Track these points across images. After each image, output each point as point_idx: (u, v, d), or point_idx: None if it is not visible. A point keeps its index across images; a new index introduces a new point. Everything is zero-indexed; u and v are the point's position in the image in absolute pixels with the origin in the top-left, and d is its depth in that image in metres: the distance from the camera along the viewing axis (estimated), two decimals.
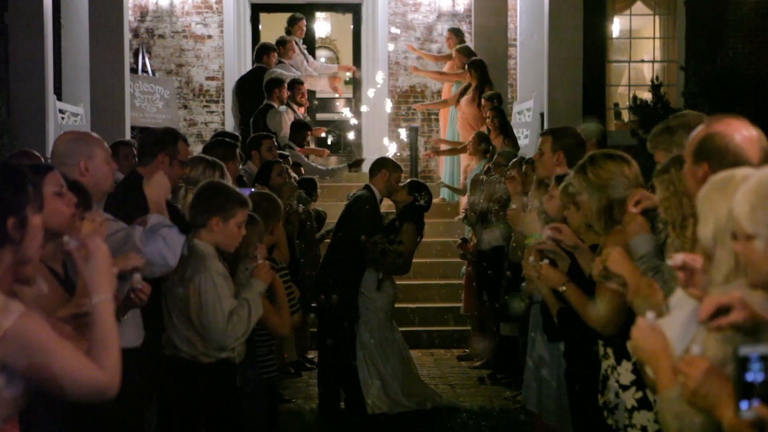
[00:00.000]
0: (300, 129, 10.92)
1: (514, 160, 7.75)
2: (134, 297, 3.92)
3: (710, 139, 3.16)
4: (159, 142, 5.14)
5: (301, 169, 9.98)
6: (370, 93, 13.65)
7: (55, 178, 3.58)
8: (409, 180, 8.73)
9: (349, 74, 14.26)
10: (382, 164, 8.23)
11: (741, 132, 3.17)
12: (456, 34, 13.23)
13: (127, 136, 11.84)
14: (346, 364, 7.85)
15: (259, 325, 5.58)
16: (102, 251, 2.80)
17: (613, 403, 4.05)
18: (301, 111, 11.84)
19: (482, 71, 11.95)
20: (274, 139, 8.06)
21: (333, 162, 13.35)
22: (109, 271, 2.78)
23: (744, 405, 2.18)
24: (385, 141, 13.31)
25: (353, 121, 13.85)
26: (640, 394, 3.96)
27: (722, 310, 2.36)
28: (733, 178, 2.61)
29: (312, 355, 9.71)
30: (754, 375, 2.17)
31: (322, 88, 13.29)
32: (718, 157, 3.10)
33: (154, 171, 4.94)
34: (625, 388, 4.01)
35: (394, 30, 14.74)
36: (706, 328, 2.38)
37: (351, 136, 13.57)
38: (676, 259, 2.83)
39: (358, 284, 7.91)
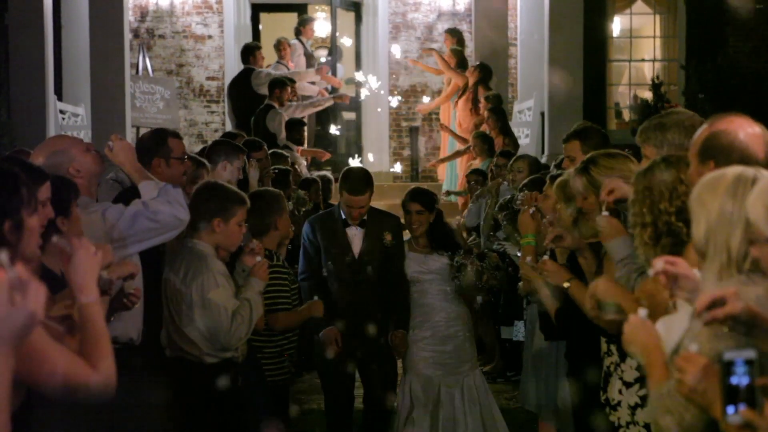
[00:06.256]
0: (295, 127, 10.80)
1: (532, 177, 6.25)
2: (126, 301, 3.91)
3: (715, 138, 3.14)
4: (149, 148, 5.08)
5: (302, 169, 9.93)
6: (372, 82, 13.40)
7: (47, 184, 3.50)
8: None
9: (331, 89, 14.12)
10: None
11: (745, 129, 3.16)
12: (453, 34, 13.16)
13: (128, 136, 11.86)
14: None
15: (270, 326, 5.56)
16: (85, 251, 2.75)
17: (616, 400, 4.03)
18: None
19: (485, 74, 11.89)
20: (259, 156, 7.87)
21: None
22: (93, 271, 2.75)
23: (730, 409, 2.20)
24: (394, 168, 12.89)
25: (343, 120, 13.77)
26: (643, 392, 3.91)
27: (717, 303, 2.37)
28: (723, 176, 2.62)
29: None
30: (738, 379, 2.19)
31: (301, 115, 12.77)
32: (724, 155, 3.08)
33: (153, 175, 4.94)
34: (629, 385, 3.98)
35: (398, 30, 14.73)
36: (702, 321, 2.39)
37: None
38: (656, 266, 2.80)
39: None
